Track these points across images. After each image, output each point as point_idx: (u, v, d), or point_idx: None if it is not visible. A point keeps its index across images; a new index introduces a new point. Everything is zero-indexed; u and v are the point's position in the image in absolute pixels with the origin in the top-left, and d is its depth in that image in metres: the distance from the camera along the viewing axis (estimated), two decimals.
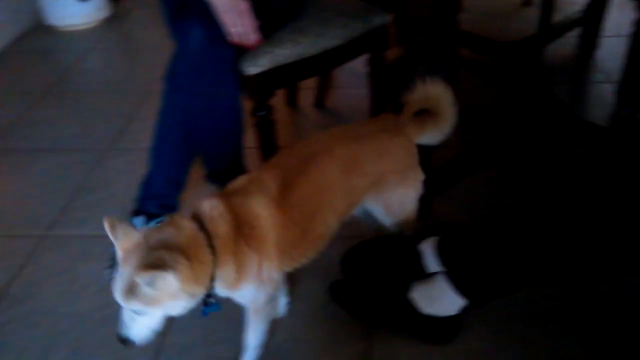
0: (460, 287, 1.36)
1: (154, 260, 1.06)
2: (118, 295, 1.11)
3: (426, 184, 1.84)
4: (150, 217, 1.74)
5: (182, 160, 1.80)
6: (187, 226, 1.16)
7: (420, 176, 1.53)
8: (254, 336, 1.40)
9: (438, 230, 1.48)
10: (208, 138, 1.79)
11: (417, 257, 1.45)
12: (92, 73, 3.17)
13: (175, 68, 1.70)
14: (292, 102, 2.58)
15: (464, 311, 1.42)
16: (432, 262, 1.42)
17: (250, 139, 1.94)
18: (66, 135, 2.53)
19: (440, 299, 1.40)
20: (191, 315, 1.21)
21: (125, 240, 1.13)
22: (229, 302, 1.33)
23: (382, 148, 1.44)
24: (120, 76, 3.10)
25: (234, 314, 1.44)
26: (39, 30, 3.57)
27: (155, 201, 1.75)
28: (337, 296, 1.50)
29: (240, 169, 1.87)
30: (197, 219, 1.19)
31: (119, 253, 1.14)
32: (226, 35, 1.62)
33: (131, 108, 2.69)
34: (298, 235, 1.32)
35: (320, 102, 2.56)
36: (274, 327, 1.54)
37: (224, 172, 1.83)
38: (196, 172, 1.94)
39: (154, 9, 2.13)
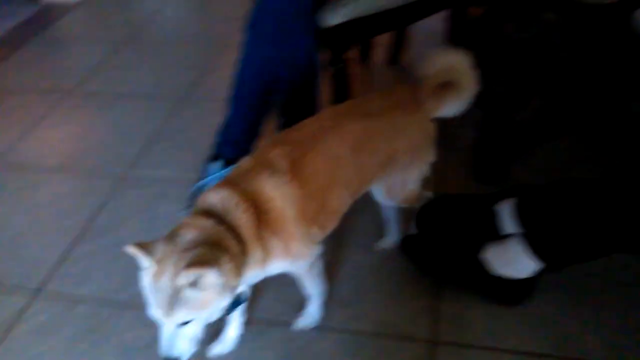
0: (537, 249, 1.34)
1: (197, 258, 1.02)
2: (161, 310, 1.04)
3: (504, 147, 1.80)
4: (228, 162, 1.79)
5: (260, 108, 1.83)
6: (208, 224, 1.10)
7: (431, 158, 1.45)
8: (311, 288, 1.41)
9: (516, 192, 1.45)
10: (284, 87, 1.81)
11: (492, 218, 1.43)
12: (170, 24, 3.24)
13: (256, 18, 1.72)
14: (365, 58, 2.55)
15: (538, 275, 1.40)
16: (507, 224, 1.40)
17: (324, 93, 1.94)
18: (144, 82, 2.61)
19: (514, 261, 1.38)
20: None
21: (155, 253, 1.05)
22: None
23: (396, 126, 1.36)
24: (196, 28, 3.16)
25: None
26: None
27: (233, 147, 1.80)
28: (408, 250, 1.51)
29: None
30: (212, 214, 1.14)
31: (153, 268, 1.05)
32: None
33: (206, 59, 2.75)
34: (318, 208, 1.28)
35: (394, 59, 2.53)
36: (342, 277, 1.57)
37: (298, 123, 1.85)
38: (272, 120, 1.97)
39: None
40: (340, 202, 1.35)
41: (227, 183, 1.20)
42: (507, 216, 1.41)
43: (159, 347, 1.09)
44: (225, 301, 1.09)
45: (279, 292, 1.54)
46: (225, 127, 1.84)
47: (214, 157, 1.82)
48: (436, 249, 1.48)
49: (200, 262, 1.01)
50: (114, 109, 2.43)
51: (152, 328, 1.51)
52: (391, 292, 1.53)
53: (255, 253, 1.17)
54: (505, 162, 1.81)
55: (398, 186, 1.46)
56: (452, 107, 1.42)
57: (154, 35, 3.08)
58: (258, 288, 1.54)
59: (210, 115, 2.19)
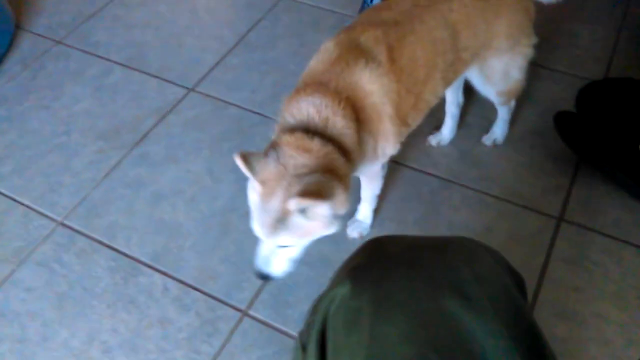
0: None
1: (312, 187, 0.94)
2: (264, 229, 0.99)
3: None
4: None
5: None
6: (315, 146, 0.98)
7: (532, 41, 1.30)
8: (369, 192, 1.34)
9: None
10: None
11: None
12: None
13: None
14: None
15: None
16: None
17: None
18: None
19: None
20: None
21: (262, 172, 0.98)
22: None
23: (499, 4, 1.20)
24: None
25: None
26: None
27: None
28: (561, 126, 1.45)
29: None
30: (312, 129, 1.01)
31: (257, 187, 0.98)
32: None
33: None
34: (412, 104, 1.14)
35: None
36: (479, 139, 1.57)
37: None
38: None
39: None
40: (434, 96, 1.20)
41: (318, 85, 1.04)
42: None
43: (255, 260, 1.07)
44: (332, 231, 1.01)
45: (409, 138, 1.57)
46: None
47: None
48: (594, 130, 1.41)
49: (315, 192, 0.93)
50: None
51: None
52: (527, 164, 1.51)
53: (356, 160, 1.07)
54: None
55: (499, 74, 1.32)
56: None
57: None
58: None
59: None
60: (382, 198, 1.43)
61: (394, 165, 1.51)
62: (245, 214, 1.45)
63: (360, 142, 1.06)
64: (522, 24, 1.26)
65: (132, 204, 1.47)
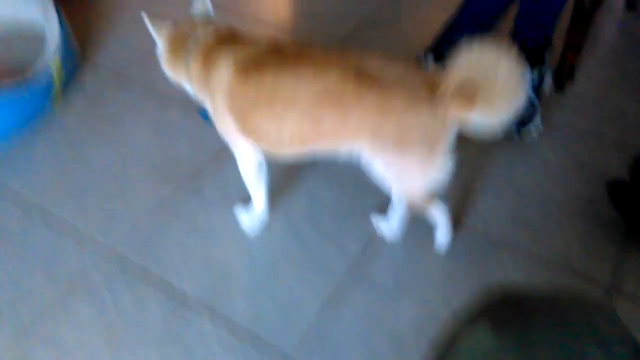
0: None
1: (157, 20, 1.36)
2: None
3: None
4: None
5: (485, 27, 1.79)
6: (190, 32, 1.33)
7: (440, 160, 1.19)
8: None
9: None
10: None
11: None
12: None
13: None
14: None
15: None
16: None
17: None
18: None
19: None
20: None
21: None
22: None
23: (390, 98, 1.14)
24: None
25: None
26: None
27: (447, 46, 1.78)
28: (613, 194, 1.45)
29: (548, 42, 1.78)
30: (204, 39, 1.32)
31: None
32: None
33: None
34: (242, 112, 1.28)
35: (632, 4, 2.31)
36: (530, 201, 1.57)
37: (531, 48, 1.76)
38: None
39: None
40: (266, 132, 1.28)
41: (224, 32, 1.33)
42: None
43: None
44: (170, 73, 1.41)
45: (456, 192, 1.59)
46: (448, 26, 1.83)
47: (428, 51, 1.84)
48: None
49: (152, 24, 1.35)
50: None
51: None
52: (579, 231, 1.51)
53: (195, 79, 1.34)
54: None
55: (393, 173, 1.26)
56: (483, 117, 1.13)
57: None
58: None
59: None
60: (427, 248, 1.45)
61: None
62: (293, 260, 1.47)
63: (201, 77, 1.33)
64: (421, 130, 1.16)
65: (183, 239, 1.49)
